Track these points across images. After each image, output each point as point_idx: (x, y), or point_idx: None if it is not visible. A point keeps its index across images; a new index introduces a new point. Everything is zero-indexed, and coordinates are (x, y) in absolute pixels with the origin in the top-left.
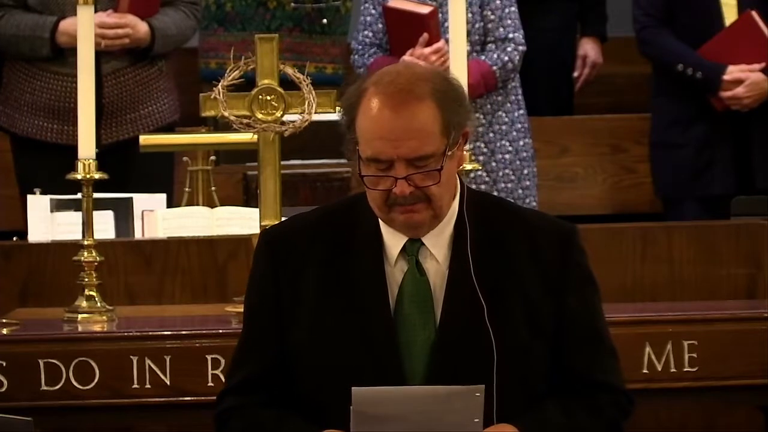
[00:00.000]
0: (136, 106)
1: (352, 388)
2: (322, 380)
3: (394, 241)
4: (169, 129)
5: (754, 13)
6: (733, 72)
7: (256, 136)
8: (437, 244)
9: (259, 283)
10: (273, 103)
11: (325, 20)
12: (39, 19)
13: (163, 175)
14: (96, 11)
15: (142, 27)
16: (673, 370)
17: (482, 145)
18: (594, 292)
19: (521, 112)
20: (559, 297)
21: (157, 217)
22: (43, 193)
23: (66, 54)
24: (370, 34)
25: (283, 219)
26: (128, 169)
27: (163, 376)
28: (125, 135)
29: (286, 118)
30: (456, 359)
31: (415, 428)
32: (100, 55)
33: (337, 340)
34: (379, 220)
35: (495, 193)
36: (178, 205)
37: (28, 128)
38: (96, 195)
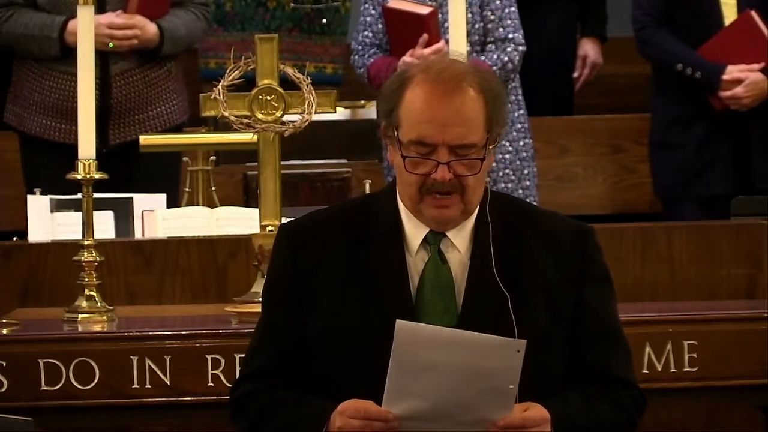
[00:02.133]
0: (144, 107)
1: (397, 320)
2: (342, 367)
3: (415, 232)
4: (177, 130)
5: (753, 13)
6: (732, 72)
7: (256, 136)
8: (459, 235)
9: (279, 275)
10: (273, 103)
11: (324, 20)
12: (48, 18)
13: (170, 175)
14: (105, 11)
15: (151, 28)
16: (673, 370)
17: None
18: (611, 290)
19: (521, 112)
20: (577, 292)
21: (157, 217)
22: (47, 192)
23: (74, 54)
24: (370, 35)
25: (302, 215)
26: (136, 169)
27: (163, 376)
28: (133, 136)
29: (286, 118)
30: None
31: (450, 383)
32: (109, 56)
33: (358, 328)
34: (400, 211)
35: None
36: (179, 206)
37: (37, 127)
38: (96, 195)
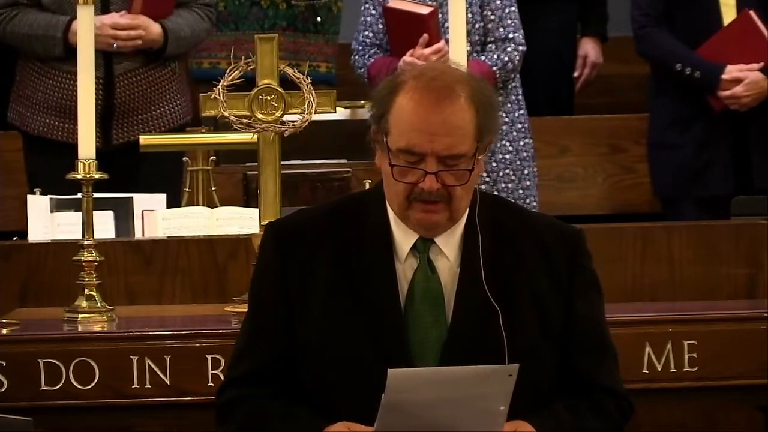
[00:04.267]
0: (148, 106)
1: (388, 370)
2: (330, 375)
3: (404, 238)
4: (180, 130)
5: (752, 13)
6: (731, 71)
7: (256, 136)
8: (448, 242)
9: (266, 274)
10: (273, 103)
11: (319, 18)
12: (52, 18)
13: (173, 175)
14: (109, 12)
15: (155, 28)
16: (673, 370)
17: None
18: (600, 297)
19: (521, 112)
20: (566, 299)
21: (157, 217)
22: (50, 192)
23: None
24: (371, 35)
25: (290, 213)
26: (139, 169)
27: (163, 376)
28: (137, 135)
29: (286, 118)
30: (467, 358)
31: (441, 414)
32: (113, 56)
33: (346, 336)
34: (389, 216)
35: (495, 194)
36: (179, 205)
37: (40, 127)
38: (96, 195)
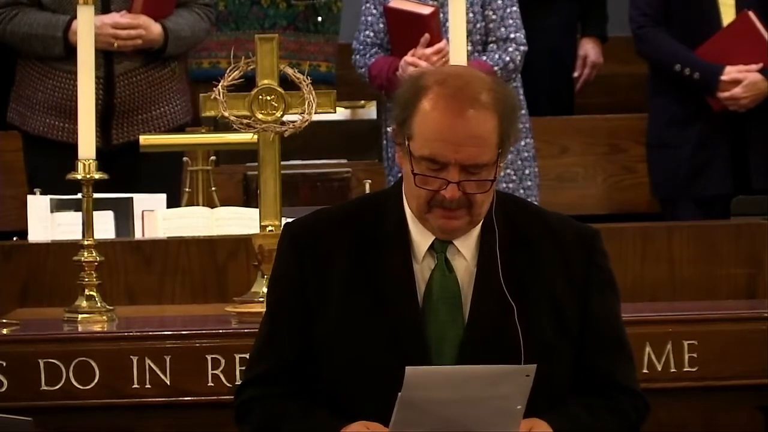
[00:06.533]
0: (148, 106)
1: (406, 367)
2: (348, 375)
3: (421, 238)
4: (180, 130)
5: (751, 14)
6: (730, 72)
7: (256, 136)
8: (465, 242)
9: (284, 275)
10: (273, 103)
11: (319, 18)
12: (52, 18)
13: (173, 175)
14: (110, 11)
15: (156, 28)
16: (673, 370)
17: None
18: (616, 297)
19: (522, 112)
20: (583, 298)
21: (157, 217)
22: (50, 192)
23: None
24: (372, 34)
25: (307, 214)
26: (139, 169)
27: (163, 376)
28: (137, 135)
29: (286, 118)
30: (484, 356)
31: (458, 412)
32: (113, 56)
33: (364, 336)
34: (407, 216)
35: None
36: (179, 205)
37: (40, 127)
38: (96, 195)
